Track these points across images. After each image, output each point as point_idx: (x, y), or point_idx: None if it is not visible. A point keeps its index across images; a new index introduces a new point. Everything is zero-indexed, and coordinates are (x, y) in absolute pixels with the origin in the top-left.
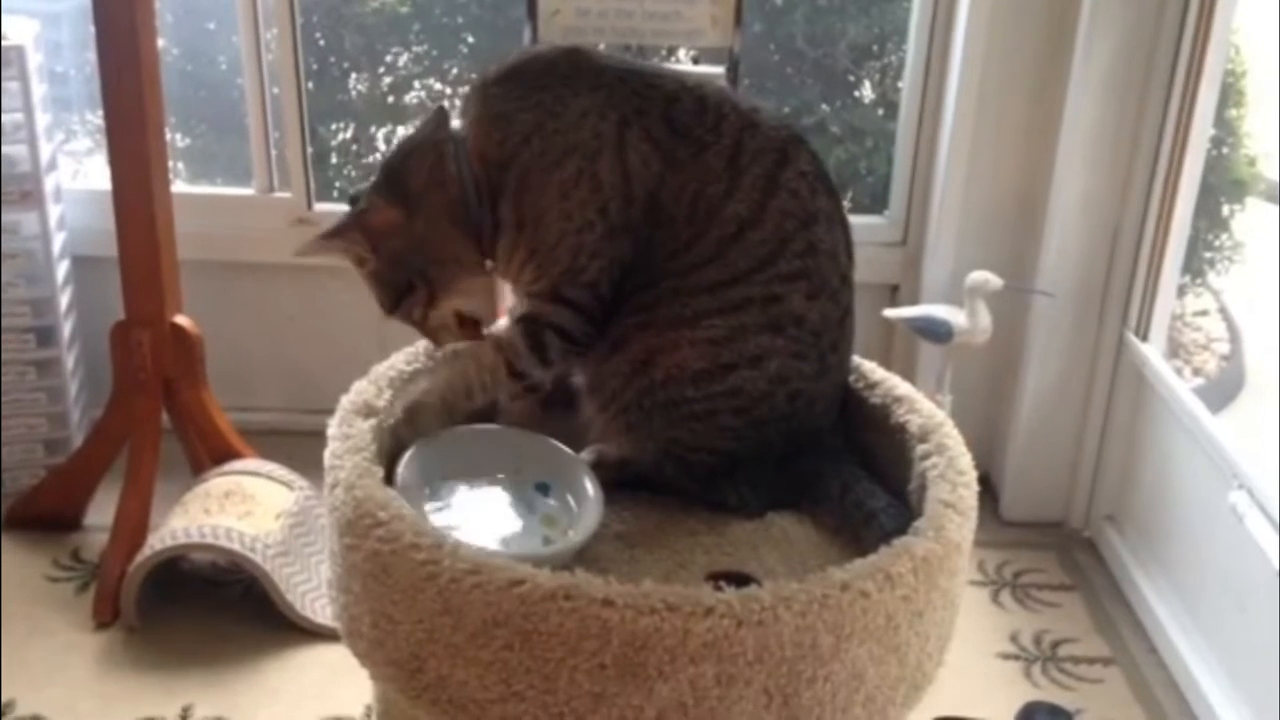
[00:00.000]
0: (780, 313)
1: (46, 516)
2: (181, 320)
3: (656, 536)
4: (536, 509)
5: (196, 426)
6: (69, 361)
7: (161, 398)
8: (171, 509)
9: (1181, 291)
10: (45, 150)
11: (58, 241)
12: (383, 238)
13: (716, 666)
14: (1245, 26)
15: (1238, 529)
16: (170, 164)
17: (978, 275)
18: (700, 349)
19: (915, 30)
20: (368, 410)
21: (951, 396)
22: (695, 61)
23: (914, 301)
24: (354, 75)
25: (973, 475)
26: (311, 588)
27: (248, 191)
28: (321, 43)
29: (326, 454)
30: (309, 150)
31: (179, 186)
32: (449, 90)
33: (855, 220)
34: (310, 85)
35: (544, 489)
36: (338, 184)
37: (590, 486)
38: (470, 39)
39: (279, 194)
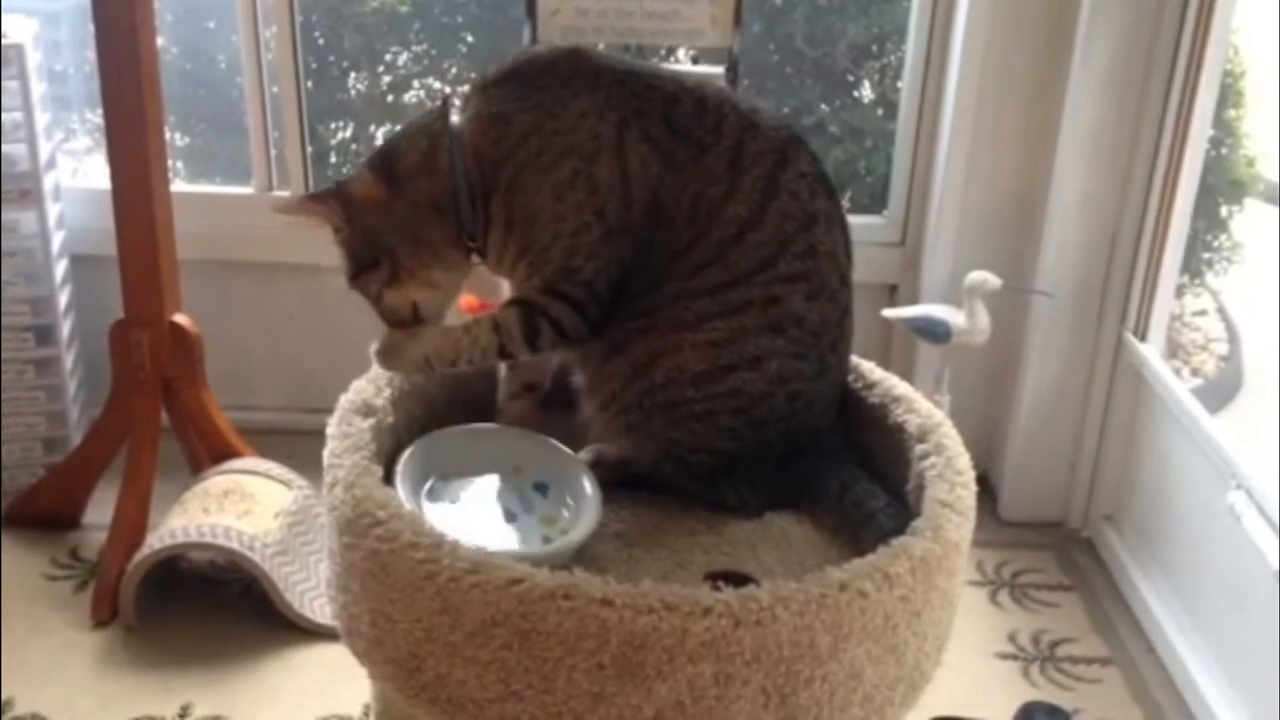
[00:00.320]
0: (780, 314)
1: (45, 515)
2: (180, 319)
3: (655, 536)
4: (535, 508)
5: (195, 425)
6: (68, 360)
7: (160, 396)
8: (170, 508)
9: (1180, 292)
10: (44, 149)
11: (57, 240)
12: (360, 211)
13: (714, 666)
14: (1244, 26)
15: (1236, 529)
16: (170, 163)
17: (976, 275)
18: (700, 351)
19: (914, 30)
20: (367, 409)
21: (950, 396)
22: (695, 61)
23: (913, 301)
24: (353, 74)
25: (971, 475)
26: (310, 587)
27: (247, 190)
28: (321, 42)
29: (325, 453)
30: (308, 149)
31: (178, 185)
32: (448, 90)
33: (854, 220)
34: (310, 84)
35: (543, 488)
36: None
37: (589, 486)
38: (469, 38)
39: (278, 193)
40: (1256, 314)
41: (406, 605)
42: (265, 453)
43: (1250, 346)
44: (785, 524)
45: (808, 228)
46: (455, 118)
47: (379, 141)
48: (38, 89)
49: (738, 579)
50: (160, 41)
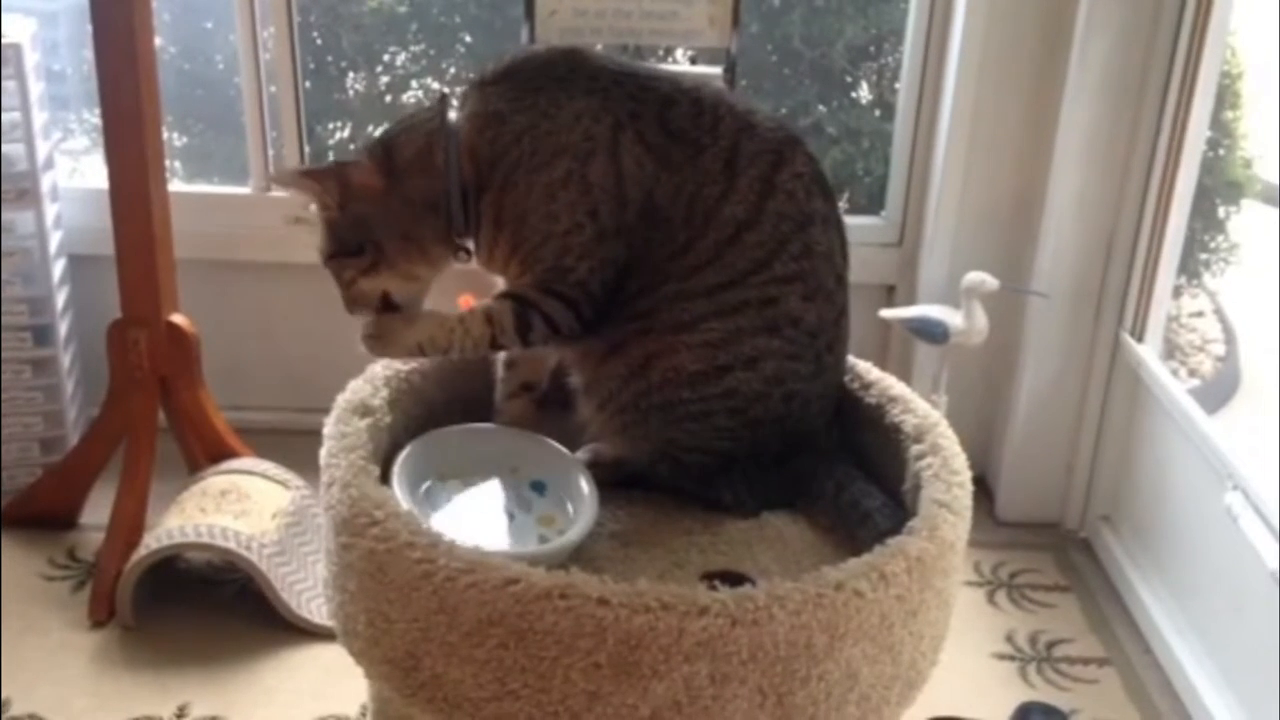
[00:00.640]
0: (777, 314)
1: (42, 515)
2: (178, 319)
3: (652, 536)
4: (532, 508)
5: (193, 425)
6: (65, 360)
7: (158, 396)
8: (168, 508)
9: (1177, 293)
10: (42, 149)
11: (54, 240)
12: (355, 197)
13: (711, 665)
14: (1242, 28)
15: (1233, 530)
16: (167, 163)
17: (974, 276)
18: (697, 352)
19: (912, 31)
20: (364, 409)
21: (947, 397)
22: (693, 62)
23: (910, 302)
24: (351, 74)
25: (967, 475)
26: (307, 587)
27: (245, 190)
28: (319, 42)
29: (322, 453)
30: (306, 149)
31: (176, 185)
32: (447, 90)
33: (851, 221)
34: (307, 84)
35: (540, 488)
36: None
37: (586, 486)
38: (467, 38)
39: (276, 193)
40: (1253, 315)
41: (403, 605)
42: (262, 453)
43: (1247, 347)
44: (781, 524)
45: (804, 228)
46: (453, 115)
47: None
48: (35, 89)
49: (734, 579)
50: (158, 41)
